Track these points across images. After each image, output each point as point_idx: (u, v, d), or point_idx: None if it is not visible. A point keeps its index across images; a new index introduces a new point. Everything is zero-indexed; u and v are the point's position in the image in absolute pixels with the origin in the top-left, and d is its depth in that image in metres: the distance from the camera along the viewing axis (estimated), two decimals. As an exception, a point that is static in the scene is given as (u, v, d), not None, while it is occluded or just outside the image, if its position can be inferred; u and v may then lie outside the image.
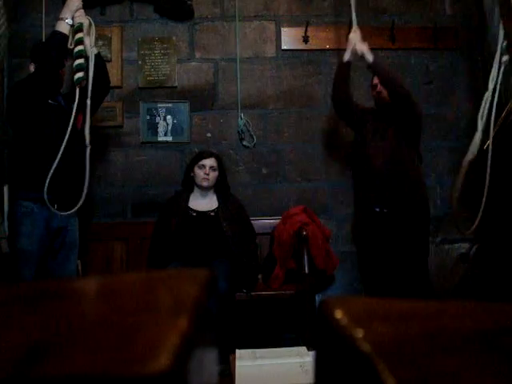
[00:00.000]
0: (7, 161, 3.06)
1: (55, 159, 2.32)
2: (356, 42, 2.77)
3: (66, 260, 2.62)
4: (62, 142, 2.33)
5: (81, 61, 2.39)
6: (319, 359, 0.44)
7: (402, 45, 3.47)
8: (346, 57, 2.83)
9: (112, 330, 0.34)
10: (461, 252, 3.25)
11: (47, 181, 2.30)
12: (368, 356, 0.32)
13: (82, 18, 2.43)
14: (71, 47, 2.42)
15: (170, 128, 3.38)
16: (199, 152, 3.02)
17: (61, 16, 2.44)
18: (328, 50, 3.45)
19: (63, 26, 2.42)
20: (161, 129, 3.38)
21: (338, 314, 0.39)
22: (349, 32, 2.96)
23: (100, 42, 3.32)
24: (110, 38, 3.38)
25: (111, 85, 3.27)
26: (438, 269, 3.17)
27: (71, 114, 2.39)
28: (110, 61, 3.36)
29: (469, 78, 3.49)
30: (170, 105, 3.39)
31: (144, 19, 3.44)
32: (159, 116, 3.38)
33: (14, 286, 0.49)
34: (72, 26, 2.42)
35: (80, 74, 2.38)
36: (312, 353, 0.45)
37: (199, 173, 2.88)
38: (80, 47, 2.39)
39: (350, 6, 2.99)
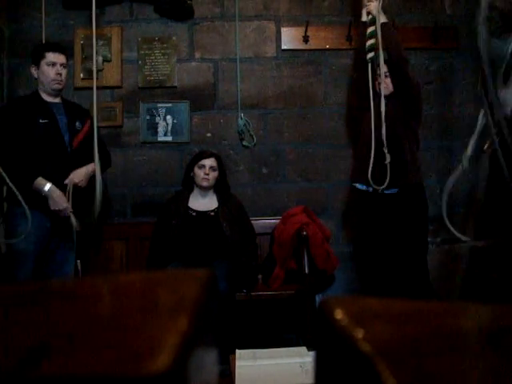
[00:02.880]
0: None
1: (48, 177, 2.44)
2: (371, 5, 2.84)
3: (65, 260, 2.62)
4: (54, 159, 2.45)
5: None
6: (319, 359, 0.44)
7: (403, 47, 3.46)
8: (363, 17, 2.92)
9: (112, 330, 0.34)
10: (461, 252, 3.25)
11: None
12: (368, 356, 0.32)
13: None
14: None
15: (169, 128, 3.38)
16: (199, 152, 3.02)
17: (43, 190, 2.45)
18: (328, 49, 3.44)
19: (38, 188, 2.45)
20: (161, 129, 3.38)
21: (338, 314, 0.39)
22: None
23: (100, 42, 3.32)
24: (110, 38, 3.38)
25: (111, 85, 3.29)
26: (438, 269, 3.16)
27: (65, 132, 2.53)
28: (109, 61, 3.37)
29: (469, 78, 3.49)
30: (169, 105, 3.39)
31: (144, 19, 3.44)
32: (159, 116, 3.38)
33: (13, 286, 0.49)
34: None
35: None
36: (312, 353, 0.45)
37: (199, 173, 2.88)
38: None
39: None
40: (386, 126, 2.74)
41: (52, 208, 2.46)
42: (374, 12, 2.79)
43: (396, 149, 2.73)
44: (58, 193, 2.46)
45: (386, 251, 2.80)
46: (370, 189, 2.79)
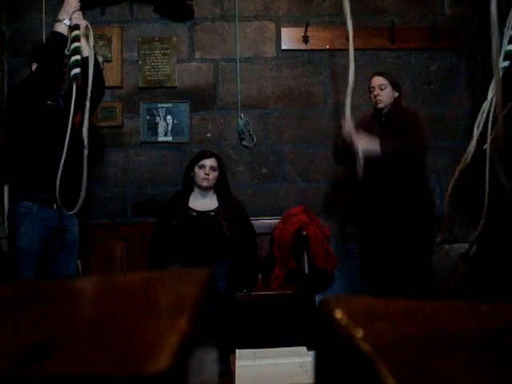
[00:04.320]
0: (7, 161, 3.06)
1: (55, 159, 2.33)
2: (356, 140, 2.55)
3: (67, 260, 2.62)
4: (61, 141, 2.33)
5: (77, 57, 2.41)
6: (319, 359, 0.44)
7: (402, 45, 3.47)
8: (358, 170, 2.55)
9: (112, 330, 0.34)
10: (461, 252, 3.25)
11: (58, 181, 2.30)
12: (368, 356, 0.32)
13: (80, 20, 2.47)
14: (67, 52, 2.44)
15: (169, 128, 3.38)
16: (199, 152, 3.02)
17: (58, 18, 2.46)
18: (328, 50, 3.45)
19: (61, 27, 2.44)
20: (161, 129, 3.38)
21: (338, 314, 0.39)
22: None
23: (100, 42, 3.32)
24: (110, 38, 3.38)
25: (111, 85, 3.28)
26: (438, 269, 3.16)
27: (69, 114, 2.39)
28: (110, 61, 3.37)
29: (469, 78, 3.49)
30: (169, 105, 3.39)
31: (144, 19, 3.44)
32: (159, 116, 3.38)
33: (13, 285, 0.49)
34: (69, 26, 2.45)
35: (76, 70, 2.39)
36: (312, 353, 0.45)
37: (199, 173, 2.88)
38: (76, 44, 2.42)
39: (349, 6, 2.99)
40: (390, 191, 2.72)
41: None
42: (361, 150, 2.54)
43: (403, 189, 2.71)
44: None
45: (389, 250, 2.80)
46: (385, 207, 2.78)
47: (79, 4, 2.49)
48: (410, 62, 3.49)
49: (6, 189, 2.93)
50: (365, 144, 2.54)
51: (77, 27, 2.44)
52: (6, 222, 2.73)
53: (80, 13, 2.48)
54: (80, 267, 2.92)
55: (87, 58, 2.44)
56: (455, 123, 3.47)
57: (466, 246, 3.27)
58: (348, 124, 2.46)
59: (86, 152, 2.36)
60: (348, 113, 2.26)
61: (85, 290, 0.48)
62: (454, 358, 0.32)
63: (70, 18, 2.44)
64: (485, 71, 3.44)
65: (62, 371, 0.28)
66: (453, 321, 0.40)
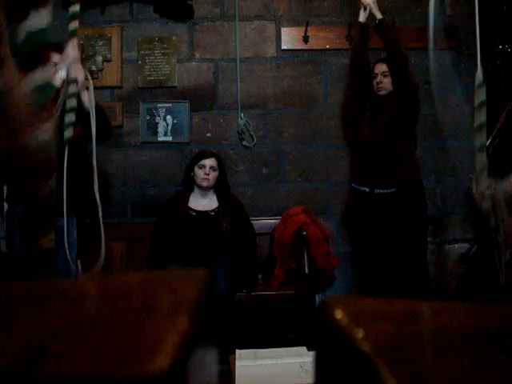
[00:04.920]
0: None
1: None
2: None
3: (65, 260, 2.62)
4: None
5: (72, 117, 2.13)
6: (319, 359, 0.44)
7: (402, 45, 3.46)
8: (361, 17, 2.87)
9: (112, 330, 0.34)
10: (461, 252, 3.25)
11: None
12: (368, 356, 0.32)
13: (78, 73, 2.18)
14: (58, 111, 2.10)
15: (169, 128, 3.38)
16: (199, 152, 3.02)
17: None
18: (328, 50, 3.44)
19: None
20: (161, 129, 3.38)
21: (338, 314, 0.39)
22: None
23: (100, 42, 3.32)
24: (110, 38, 3.38)
25: (111, 85, 3.28)
26: (438, 269, 3.17)
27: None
28: (109, 61, 3.37)
29: (469, 78, 3.49)
30: (170, 105, 3.39)
31: (144, 19, 3.44)
32: (159, 116, 3.38)
33: (13, 285, 0.49)
34: (65, 80, 2.14)
35: (68, 133, 2.15)
36: (312, 353, 0.45)
37: (199, 173, 2.88)
38: (73, 103, 2.14)
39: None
40: (383, 125, 2.74)
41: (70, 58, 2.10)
42: (371, 4, 2.78)
43: (392, 148, 2.73)
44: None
45: (385, 251, 2.79)
46: (367, 189, 2.79)
47: (79, 54, 2.22)
48: (410, 61, 3.48)
49: (4, 189, 2.93)
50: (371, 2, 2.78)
51: (75, 81, 2.14)
52: (4, 222, 2.74)
53: (79, 64, 2.20)
54: (80, 267, 2.92)
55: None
56: (455, 123, 3.47)
57: (466, 245, 3.28)
58: None
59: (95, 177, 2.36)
60: None
61: (85, 290, 0.48)
62: (454, 358, 0.32)
63: (66, 69, 2.13)
64: (484, 71, 3.43)
65: (61, 371, 0.28)
66: (453, 321, 0.40)
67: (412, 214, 2.74)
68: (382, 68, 2.84)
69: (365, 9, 2.82)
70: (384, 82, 2.82)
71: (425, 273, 2.81)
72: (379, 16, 2.78)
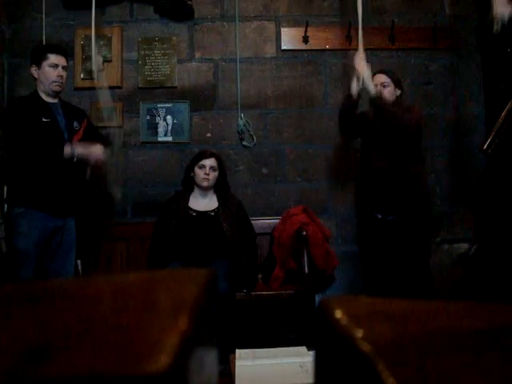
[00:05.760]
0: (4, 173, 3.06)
1: (49, 175, 2.48)
2: (360, 64, 2.69)
3: (65, 260, 2.62)
4: (55, 158, 2.45)
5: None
6: (319, 359, 0.44)
7: (402, 45, 3.47)
8: (353, 89, 2.74)
9: (112, 330, 0.34)
10: (461, 252, 3.25)
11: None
12: (368, 356, 0.32)
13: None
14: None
15: (169, 128, 3.38)
16: (199, 152, 3.02)
17: (70, 151, 2.50)
18: (328, 50, 3.45)
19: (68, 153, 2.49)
20: (161, 129, 3.38)
21: (338, 314, 0.39)
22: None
23: (100, 42, 3.32)
24: (110, 38, 3.38)
25: (111, 85, 3.27)
26: (438, 269, 3.17)
27: (64, 131, 2.56)
28: (110, 61, 3.37)
29: (469, 78, 3.49)
30: (169, 105, 3.39)
31: (144, 19, 3.44)
32: (159, 116, 3.38)
33: (13, 285, 0.49)
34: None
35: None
36: (312, 353, 0.45)
37: (199, 173, 2.88)
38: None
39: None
40: (391, 153, 2.73)
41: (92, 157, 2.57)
42: (366, 78, 2.65)
43: (404, 176, 2.72)
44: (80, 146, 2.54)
45: (389, 256, 2.80)
46: (380, 215, 2.80)
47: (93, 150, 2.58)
48: (410, 61, 3.49)
49: (5, 189, 2.92)
50: (369, 74, 2.70)
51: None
52: (3, 222, 2.74)
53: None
54: (80, 267, 2.92)
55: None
56: (455, 123, 3.47)
57: (466, 245, 3.28)
58: (361, 57, 2.71)
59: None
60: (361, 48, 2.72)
61: (84, 290, 0.48)
62: (454, 358, 0.32)
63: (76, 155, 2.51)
64: (484, 71, 3.44)
65: (62, 371, 0.28)
66: (453, 321, 0.40)
67: (419, 233, 2.76)
68: (381, 79, 2.79)
69: (358, 80, 2.70)
70: (384, 93, 2.76)
71: (427, 275, 2.82)
72: (373, 91, 2.67)
